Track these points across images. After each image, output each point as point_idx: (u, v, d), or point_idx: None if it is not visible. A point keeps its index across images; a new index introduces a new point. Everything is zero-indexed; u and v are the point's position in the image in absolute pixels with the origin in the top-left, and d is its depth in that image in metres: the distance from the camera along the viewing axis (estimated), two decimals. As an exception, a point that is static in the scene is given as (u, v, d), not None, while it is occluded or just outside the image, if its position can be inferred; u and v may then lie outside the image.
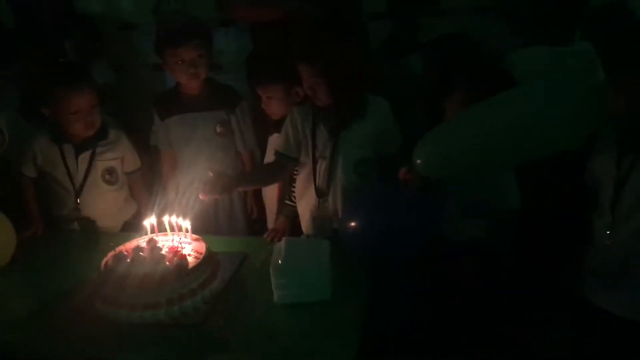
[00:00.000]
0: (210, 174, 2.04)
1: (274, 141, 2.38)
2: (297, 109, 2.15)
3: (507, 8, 2.69)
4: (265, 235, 2.20)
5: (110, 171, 2.38)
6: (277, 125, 2.36)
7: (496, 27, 2.80)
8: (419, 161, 1.85)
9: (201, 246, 1.87)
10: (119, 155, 2.41)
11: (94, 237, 2.31)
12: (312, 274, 1.72)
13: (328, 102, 2.01)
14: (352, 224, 1.93)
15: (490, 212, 2.00)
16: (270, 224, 2.45)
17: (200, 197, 1.99)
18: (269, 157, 2.43)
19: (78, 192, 2.35)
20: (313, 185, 2.12)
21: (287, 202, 2.32)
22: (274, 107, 2.33)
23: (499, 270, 2.07)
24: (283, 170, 2.23)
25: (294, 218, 2.26)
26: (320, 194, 2.11)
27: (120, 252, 1.82)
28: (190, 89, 2.49)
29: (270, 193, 2.44)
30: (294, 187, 2.26)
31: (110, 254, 1.83)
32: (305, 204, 2.17)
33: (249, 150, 2.59)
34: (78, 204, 2.36)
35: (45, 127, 2.34)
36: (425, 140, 1.90)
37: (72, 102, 2.21)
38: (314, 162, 2.11)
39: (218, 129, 2.50)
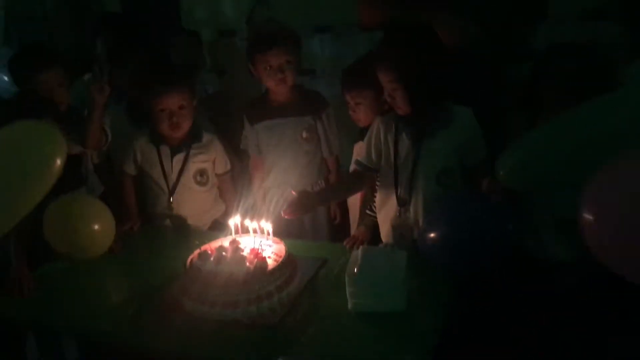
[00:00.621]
0: (294, 193, 2.09)
1: (359, 149, 2.39)
2: (381, 118, 2.14)
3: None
4: (345, 243, 2.21)
5: (202, 172, 2.49)
6: (363, 134, 2.37)
7: (607, 33, 2.66)
8: (502, 172, 1.80)
9: (281, 249, 1.91)
10: (211, 157, 2.51)
11: (184, 234, 2.43)
12: (387, 284, 1.72)
13: (408, 111, 1.99)
14: (433, 234, 1.90)
15: None
16: (353, 230, 2.46)
17: (284, 216, 2.03)
18: (353, 166, 2.43)
19: (172, 192, 2.47)
20: (394, 195, 2.10)
21: (368, 212, 2.32)
22: (361, 114, 2.33)
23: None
24: (363, 181, 2.24)
25: (374, 228, 2.25)
26: (402, 203, 2.09)
27: (205, 251, 1.89)
28: (279, 95, 2.55)
29: (354, 199, 2.45)
30: (375, 197, 2.26)
31: (196, 252, 1.91)
32: (385, 214, 2.16)
33: (334, 155, 2.61)
34: (171, 202, 2.48)
35: (147, 128, 2.49)
36: (509, 151, 1.84)
37: (160, 100, 2.33)
38: (396, 171, 2.09)
39: (304, 135, 2.55)
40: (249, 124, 2.62)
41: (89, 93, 2.50)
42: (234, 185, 2.62)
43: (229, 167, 2.57)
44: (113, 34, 3.13)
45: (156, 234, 2.47)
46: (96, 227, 2.17)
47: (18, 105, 2.31)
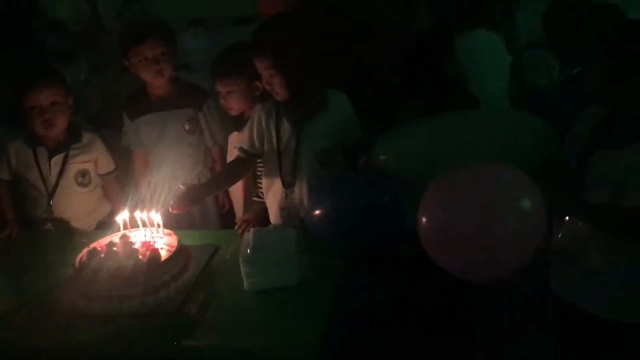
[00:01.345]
0: (182, 187, 2.12)
1: (235, 139, 2.43)
2: (260, 105, 2.20)
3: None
4: (236, 227, 2.26)
5: (83, 173, 2.42)
6: (236, 123, 2.42)
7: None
8: (381, 157, 1.96)
9: (173, 240, 1.92)
10: (93, 157, 2.44)
11: (68, 236, 2.35)
12: (279, 261, 1.79)
13: (286, 97, 2.07)
14: (316, 212, 2.00)
15: None
16: (237, 219, 2.51)
17: (172, 211, 2.04)
18: (231, 157, 2.47)
19: (51, 194, 2.38)
20: (279, 178, 2.18)
21: (255, 198, 2.38)
22: (233, 101, 2.36)
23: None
24: (248, 166, 2.29)
25: (263, 212, 2.32)
26: (287, 185, 2.17)
27: (94, 249, 1.86)
28: (157, 89, 2.53)
29: (236, 188, 2.49)
30: (259, 182, 2.32)
31: (85, 250, 1.87)
32: (272, 197, 2.23)
33: (218, 145, 2.64)
34: (51, 205, 2.39)
35: (20, 130, 2.37)
36: (386, 138, 2.00)
37: (28, 97, 2.25)
38: (279, 155, 2.17)
39: (187, 127, 2.55)
40: (129, 119, 2.58)
41: None
42: (119, 184, 2.56)
43: (113, 167, 2.51)
44: None
45: (38, 239, 2.36)
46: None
47: None
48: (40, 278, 1.99)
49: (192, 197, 2.11)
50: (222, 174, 2.42)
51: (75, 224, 2.44)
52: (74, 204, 2.43)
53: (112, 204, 2.53)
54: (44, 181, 2.37)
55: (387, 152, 2.03)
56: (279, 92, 2.06)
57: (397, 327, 2.22)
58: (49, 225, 2.42)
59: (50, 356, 1.71)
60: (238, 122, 2.43)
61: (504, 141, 1.95)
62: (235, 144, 2.41)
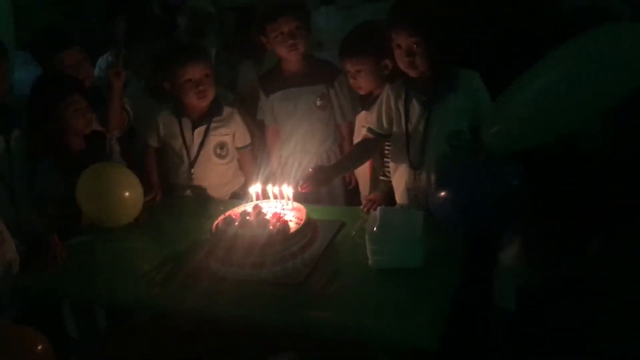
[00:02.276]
0: (311, 169, 2.17)
1: (363, 119, 2.43)
2: (390, 85, 2.18)
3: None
4: (362, 206, 2.27)
5: (222, 145, 2.55)
6: (364, 102, 2.41)
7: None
8: (485, 139, 1.91)
9: (302, 213, 1.97)
10: (231, 131, 2.56)
11: (205, 203, 2.49)
12: (405, 241, 1.78)
13: (425, 70, 2.03)
14: (441, 195, 1.96)
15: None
16: (363, 198, 2.51)
17: (301, 191, 2.09)
18: (358, 136, 2.48)
19: (192, 163, 2.53)
20: (407, 159, 2.16)
21: (382, 177, 2.37)
22: (362, 80, 2.35)
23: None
24: (376, 147, 2.28)
25: (389, 192, 2.31)
26: (415, 166, 2.14)
27: (230, 216, 1.96)
28: (291, 65, 2.58)
29: (363, 166, 2.50)
30: (387, 161, 2.31)
31: (220, 217, 1.98)
32: (399, 177, 2.21)
33: (348, 121, 2.65)
34: (192, 174, 2.55)
35: (168, 102, 2.54)
36: (489, 120, 1.91)
37: (185, 71, 2.39)
38: (407, 136, 2.14)
39: (318, 102, 2.58)
40: (264, 95, 2.66)
41: (107, 78, 2.58)
42: (253, 158, 2.66)
43: (248, 141, 2.61)
44: (127, 14, 3.18)
45: (178, 204, 2.53)
46: (127, 194, 2.23)
47: (45, 84, 2.36)
48: (180, 240, 2.14)
49: (321, 178, 2.16)
50: (350, 155, 2.42)
51: (211, 192, 2.58)
52: (212, 174, 2.56)
53: (246, 176, 2.64)
54: (187, 150, 2.52)
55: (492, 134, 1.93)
56: (420, 64, 2.02)
57: (520, 316, 2.14)
58: (188, 192, 2.58)
59: (186, 314, 1.85)
60: (366, 102, 2.43)
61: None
62: (363, 122, 2.42)
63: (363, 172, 2.53)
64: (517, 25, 2.29)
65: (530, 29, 2.24)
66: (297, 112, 2.60)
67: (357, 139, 2.50)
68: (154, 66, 2.56)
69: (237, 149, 2.60)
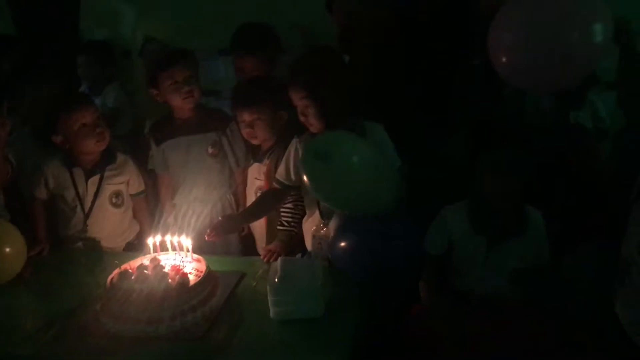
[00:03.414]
0: (220, 218, 2.19)
1: (255, 170, 2.46)
2: (298, 139, 2.22)
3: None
4: (262, 256, 2.26)
5: (117, 194, 2.47)
6: (255, 154, 2.45)
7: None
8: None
9: (201, 265, 1.93)
10: (126, 178, 2.48)
11: (98, 256, 2.37)
12: (306, 292, 1.79)
13: (320, 127, 2.09)
14: (339, 245, 2.01)
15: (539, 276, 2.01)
16: (259, 248, 2.53)
17: (208, 239, 2.09)
18: (251, 188, 2.51)
19: (87, 214, 2.42)
20: (317, 208, 2.19)
21: (279, 227, 2.39)
22: (259, 130, 2.37)
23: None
24: (283, 197, 2.31)
25: (288, 241, 2.33)
26: (324, 216, 2.18)
27: (126, 270, 1.88)
28: (183, 113, 2.56)
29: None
30: (283, 212, 2.36)
31: (116, 271, 1.89)
32: (309, 225, 2.25)
33: (242, 168, 2.63)
34: (86, 225, 2.43)
35: (57, 152, 2.42)
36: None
37: (75, 118, 2.31)
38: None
39: (210, 150, 2.56)
40: (154, 144, 2.61)
41: None
42: (148, 205, 2.60)
43: (143, 187, 2.55)
44: (10, 58, 3.01)
45: (68, 258, 2.38)
46: (7, 249, 2.09)
47: None
48: (69, 297, 2.01)
49: (229, 226, 2.19)
50: (257, 204, 2.40)
51: (105, 243, 2.47)
52: (107, 223, 2.47)
53: (141, 225, 2.57)
54: (81, 201, 2.41)
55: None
56: (314, 123, 2.08)
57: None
58: (80, 244, 2.45)
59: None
60: (257, 153, 2.46)
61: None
62: (256, 174, 2.44)
63: (259, 223, 2.52)
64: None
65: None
66: (189, 161, 2.57)
67: (249, 190, 2.52)
68: (41, 116, 2.42)
69: (132, 195, 2.53)
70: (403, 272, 2.00)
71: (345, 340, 1.73)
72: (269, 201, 2.33)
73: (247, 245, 2.62)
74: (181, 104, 2.52)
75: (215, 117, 2.60)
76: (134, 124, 3.33)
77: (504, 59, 2.03)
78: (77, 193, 2.41)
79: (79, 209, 2.43)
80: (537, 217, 2.07)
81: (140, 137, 2.96)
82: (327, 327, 1.77)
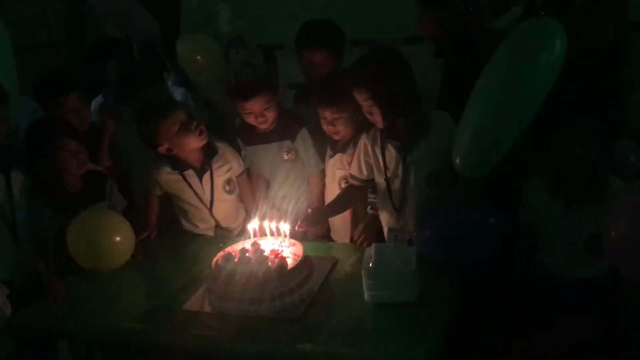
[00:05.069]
0: (310, 210, 2.30)
1: (338, 161, 2.45)
2: (366, 134, 2.24)
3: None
4: (355, 237, 2.33)
5: (228, 181, 2.57)
6: (334, 146, 2.46)
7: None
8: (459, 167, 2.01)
9: (299, 249, 2.00)
10: (230, 165, 2.58)
11: (206, 240, 2.50)
12: (400, 276, 1.81)
13: (384, 125, 2.11)
14: (423, 237, 2.03)
15: None
16: (334, 235, 2.57)
17: (298, 229, 2.16)
18: (332, 180, 2.50)
19: (210, 209, 2.55)
20: (390, 202, 2.21)
21: (370, 210, 2.41)
22: (341, 127, 2.36)
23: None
24: (360, 192, 2.35)
25: (375, 224, 2.36)
26: (397, 209, 2.20)
27: (229, 253, 1.98)
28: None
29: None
30: (371, 196, 2.39)
31: (220, 254, 2.00)
32: (383, 219, 2.29)
33: (316, 172, 2.60)
34: (213, 217, 2.57)
35: (166, 158, 2.51)
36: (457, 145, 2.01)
37: (172, 120, 2.39)
38: (387, 181, 2.20)
39: (285, 157, 2.59)
40: (243, 144, 2.68)
41: (101, 118, 2.59)
42: (249, 184, 2.67)
43: (242, 166, 2.63)
44: (122, 58, 3.22)
45: (180, 243, 2.52)
46: (117, 238, 2.23)
47: (38, 128, 2.37)
48: (179, 278, 2.14)
49: (317, 218, 2.29)
50: (339, 199, 2.42)
51: (232, 227, 2.61)
52: (227, 210, 2.59)
53: (246, 204, 2.64)
54: (202, 201, 2.54)
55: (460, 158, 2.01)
56: (378, 120, 2.11)
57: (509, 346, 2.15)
58: (211, 232, 2.60)
59: (185, 349, 1.84)
60: (334, 146, 2.47)
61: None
62: (339, 165, 2.44)
63: (342, 216, 2.52)
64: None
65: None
66: (269, 165, 2.64)
67: (330, 182, 2.52)
68: (142, 126, 2.51)
69: (237, 178, 2.61)
70: (489, 257, 1.97)
71: (438, 326, 1.74)
72: (352, 195, 2.37)
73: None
74: (255, 124, 2.56)
75: (289, 124, 2.59)
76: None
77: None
78: (196, 194, 2.53)
79: (201, 206, 2.55)
80: (619, 186, 2.00)
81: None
82: (420, 312, 1.78)
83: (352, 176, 2.31)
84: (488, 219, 2.00)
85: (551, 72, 1.86)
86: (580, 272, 2.04)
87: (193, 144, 2.46)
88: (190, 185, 2.52)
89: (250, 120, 2.53)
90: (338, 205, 2.41)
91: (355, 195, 2.38)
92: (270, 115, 2.51)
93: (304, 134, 2.56)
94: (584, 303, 2.02)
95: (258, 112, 2.49)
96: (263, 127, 2.55)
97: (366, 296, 1.83)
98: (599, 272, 2.01)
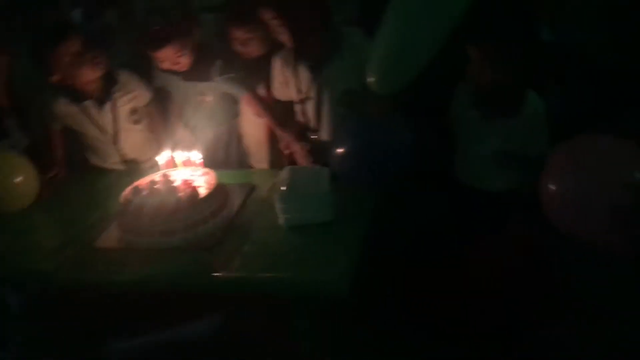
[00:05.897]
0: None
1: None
2: (278, 55, 2.16)
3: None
4: (283, 149, 2.26)
5: (133, 111, 2.40)
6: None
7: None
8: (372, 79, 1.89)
9: (211, 178, 1.93)
10: (134, 94, 2.40)
11: (116, 176, 2.37)
12: (314, 197, 1.78)
13: (293, 44, 2.03)
14: (339, 154, 1.96)
15: (524, 161, 1.96)
16: (253, 161, 2.51)
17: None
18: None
19: (115, 140, 2.40)
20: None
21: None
22: (254, 47, 2.27)
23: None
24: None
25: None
26: (312, 129, 2.16)
27: (137, 186, 1.89)
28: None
29: (257, 135, 2.47)
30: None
31: (128, 188, 1.90)
32: None
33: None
34: (119, 149, 2.42)
35: (62, 90, 2.32)
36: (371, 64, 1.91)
37: (62, 51, 2.18)
38: (301, 102, 2.15)
39: (206, 100, 2.50)
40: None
41: None
42: (159, 114, 2.52)
43: (150, 95, 2.46)
44: None
45: (83, 179, 2.40)
46: (17, 179, 2.12)
47: None
48: (87, 214, 2.05)
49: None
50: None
51: (143, 159, 2.46)
52: (136, 142, 2.44)
53: (156, 134, 2.49)
54: (103, 131, 2.38)
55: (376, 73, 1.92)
56: (286, 40, 2.03)
57: (425, 263, 2.20)
58: (120, 166, 2.45)
59: (97, 289, 1.80)
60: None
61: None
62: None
63: (255, 138, 2.48)
64: None
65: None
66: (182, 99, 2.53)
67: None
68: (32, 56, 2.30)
69: (145, 107, 2.45)
70: (405, 168, 1.95)
71: (353, 245, 1.74)
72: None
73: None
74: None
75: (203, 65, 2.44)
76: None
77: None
78: (97, 125, 2.37)
79: (104, 138, 2.40)
80: (538, 104, 1.99)
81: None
82: (336, 232, 1.77)
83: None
84: (401, 131, 1.95)
85: None
86: (492, 184, 2.04)
87: (87, 75, 2.26)
88: (90, 117, 2.36)
89: (165, 66, 2.39)
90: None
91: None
92: (185, 60, 2.38)
93: (218, 69, 2.42)
94: (500, 215, 2.04)
95: (172, 61, 2.36)
96: (178, 69, 2.41)
97: (281, 220, 1.80)
98: (509, 186, 2.02)
